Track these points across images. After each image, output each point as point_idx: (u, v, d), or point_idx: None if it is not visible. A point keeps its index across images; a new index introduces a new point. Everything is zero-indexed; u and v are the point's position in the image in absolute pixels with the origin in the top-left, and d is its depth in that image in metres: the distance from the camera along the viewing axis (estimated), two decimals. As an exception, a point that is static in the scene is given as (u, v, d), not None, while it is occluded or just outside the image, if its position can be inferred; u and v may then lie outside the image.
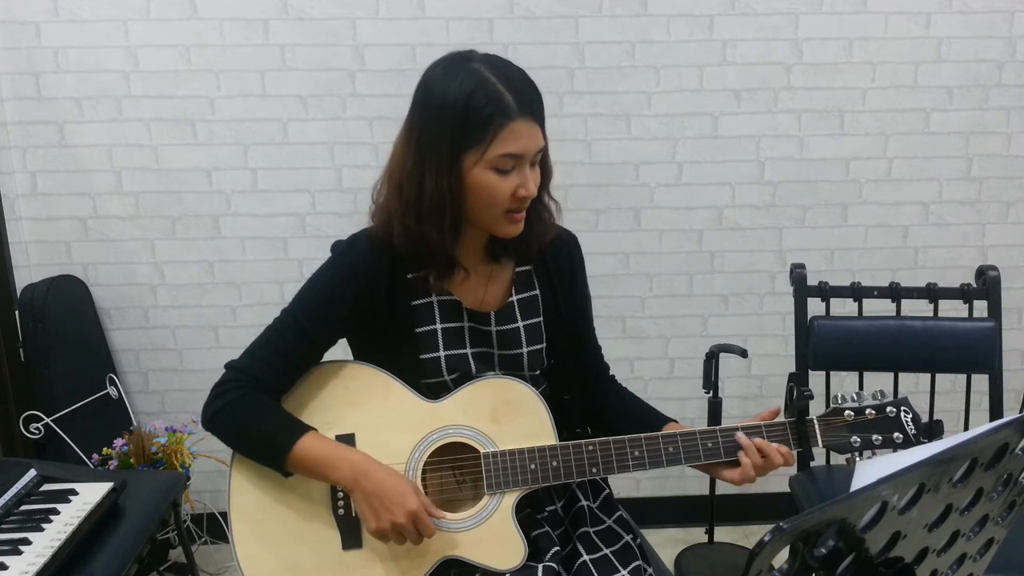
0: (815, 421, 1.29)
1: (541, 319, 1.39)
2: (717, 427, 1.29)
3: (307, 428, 1.27)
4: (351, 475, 1.23)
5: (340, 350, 1.37)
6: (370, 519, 1.23)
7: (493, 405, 1.31)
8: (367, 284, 1.29)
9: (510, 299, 1.37)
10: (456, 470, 1.33)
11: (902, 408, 1.28)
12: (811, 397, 1.28)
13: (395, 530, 1.21)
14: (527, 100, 1.20)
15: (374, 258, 1.29)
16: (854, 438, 1.27)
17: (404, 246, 1.27)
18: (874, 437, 1.27)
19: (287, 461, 1.25)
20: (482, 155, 1.19)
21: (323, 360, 1.35)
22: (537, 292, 1.39)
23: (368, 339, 1.35)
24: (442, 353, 1.33)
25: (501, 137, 1.18)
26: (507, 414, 1.31)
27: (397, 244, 1.27)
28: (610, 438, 1.29)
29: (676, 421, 1.41)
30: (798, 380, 1.32)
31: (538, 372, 1.40)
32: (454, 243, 1.27)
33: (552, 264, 1.40)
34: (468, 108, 1.18)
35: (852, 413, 1.28)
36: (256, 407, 1.27)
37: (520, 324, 1.37)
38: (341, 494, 1.29)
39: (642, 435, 1.29)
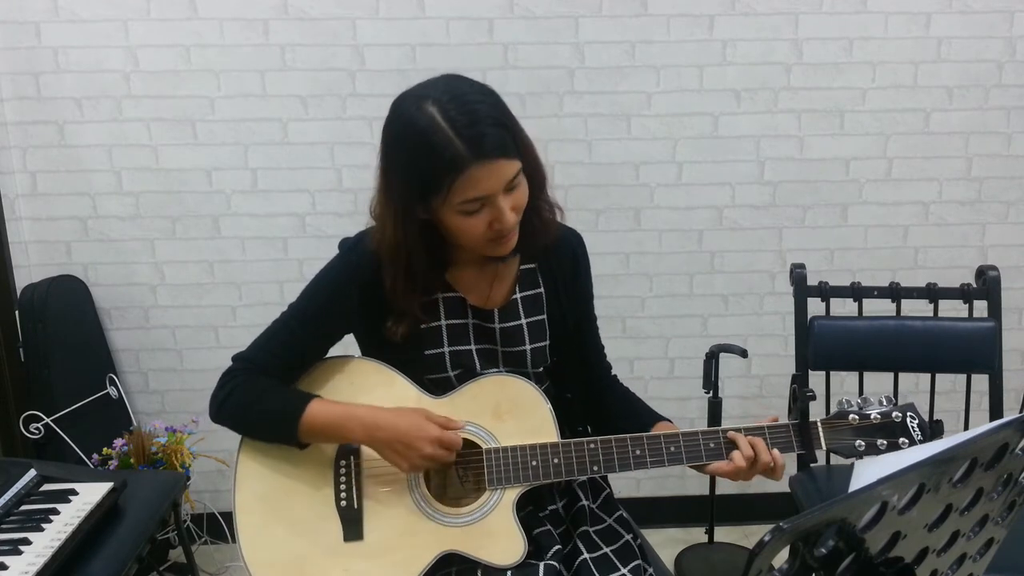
0: (819, 424, 1.28)
1: (545, 316, 1.40)
2: (719, 427, 1.29)
3: (312, 395, 1.29)
4: (364, 432, 1.26)
5: (346, 347, 1.38)
6: (401, 463, 1.25)
7: (496, 402, 1.32)
8: (373, 280, 1.30)
9: (514, 296, 1.38)
10: (458, 465, 1.33)
11: (908, 414, 1.27)
12: (813, 398, 1.28)
13: (427, 460, 1.24)
14: (483, 142, 1.14)
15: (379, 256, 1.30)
16: (858, 442, 1.27)
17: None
18: (879, 442, 1.27)
19: (299, 430, 1.26)
20: (444, 201, 1.18)
21: (329, 355, 1.36)
22: (541, 290, 1.40)
23: (373, 334, 1.36)
24: (446, 349, 1.34)
25: (458, 186, 1.16)
26: (510, 411, 1.31)
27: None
28: (612, 436, 1.29)
29: (669, 420, 1.42)
30: (801, 382, 1.32)
31: (541, 369, 1.41)
32: (409, 293, 1.28)
33: (556, 262, 1.40)
34: (420, 164, 1.17)
35: (857, 417, 1.28)
36: (261, 387, 1.29)
37: (523, 321, 1.37)
38: (344, 486, 1.30)
39: (644, 434, 1.29)
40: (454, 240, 1.27)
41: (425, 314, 1.33)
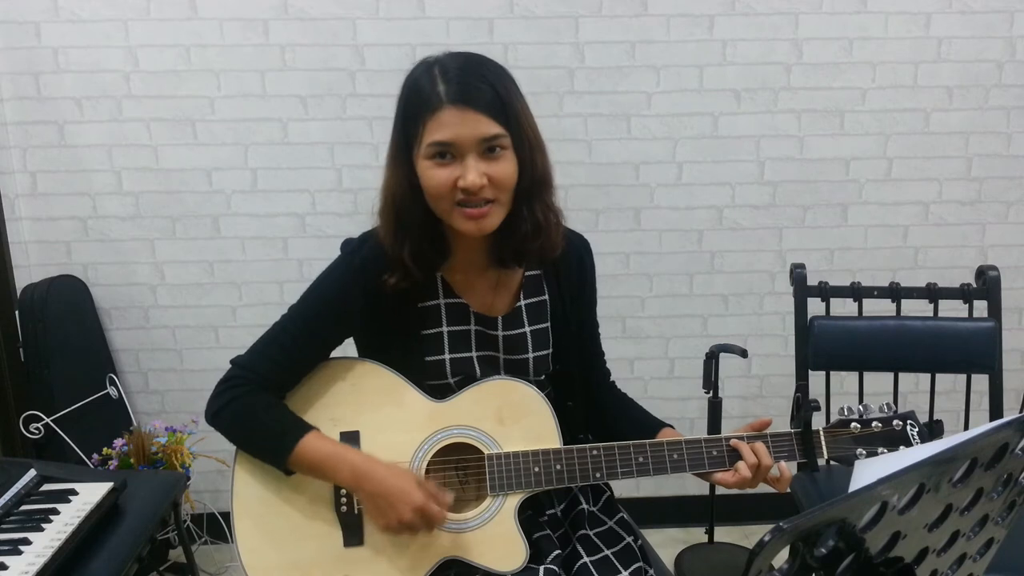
0: (821, 433, 1.29)
1: (548, 324, 1.39)
2: (722, 435, 1.29)
3: (310, 427, 1.27)
4: (352, 477, 1.23)
5: (345, 348, 1.37)
6: (377, 519, 1.23)
7: (499, 407, 1.31)
8: (375, 283, 1.29)
9: (518, 304, 1.37)
10: (460, 471, 1.33)
11: (908, 422, 1.28)
12: (817, 408, 1.28)
13: (404, 526, 1.21)
14: (461, 90, 1.17)
15: (383, 257, 1.29)
16: (859, 450, 1.27)
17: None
18: (879, 450, 1.27)
19: (289, 460, 1.25)
20: (419, 145, 1.21)
21: (332, 356, 1.35)
22: (546, 297, 1.39)
23: (374, 339, 1.35)
24: (447, 356, 1.33)
25: (429, 126, 1.19)
26: (512, 416, 1.30)
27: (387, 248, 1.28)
28: (615, 443, 1.29)
29: (672, 427, 1.41)
30: (804, 391, 1.32)
31: (543, 377, 1.40)
32: (401, 245, 1.26)
33: (563, 268, 1.39)
34: (407, 102, 1.22)
35: (858, 426, 1.28)
36: (260, 405, 1.27)
37: (527, 329, 1.36)
38: (344, 491, 1.29)
39: (647, 441, 1.29)
40: (430, 202, 1.23)
41: (427, 320, 1.33)
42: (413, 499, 1.20)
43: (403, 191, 1.24)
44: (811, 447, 1.28)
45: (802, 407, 1.28)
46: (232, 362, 1.31)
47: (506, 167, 1.21)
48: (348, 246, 1.34)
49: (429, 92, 1.18)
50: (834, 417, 1.32)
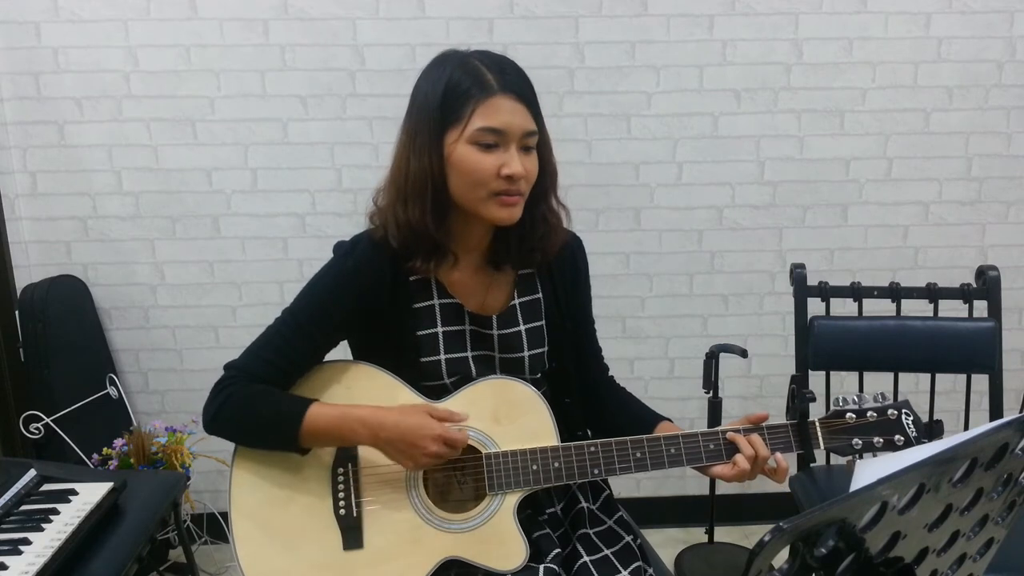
0: (817, 423, 1.28)
1: (543, 322, 1.39)
2: (719, 428, 1.29)
3: (311, 400, 1.27)
4: (368, 433, 1.24)
5: (341, 351, 1.37)
6: (406, 462, 1.25)
7: (495, 406, 1.31)
8: (369, 285, 1.29)
9: (512, 302, 1.37)
10: (458, 470, 1.33)
11: (903, 411, 1.28)
12: (813, 399, 1.28)
13: (433, 459, 1.23)
14: (511, 81, 1.22)
15: (376, 259, 1.29)
16: (855, 440, 1.27)
17: (396, 237, 1.27)
18: (875, 440, 1.27)
19: (300, 436, 1.25)
20: (462, 130, 1.21)
21: (326, 360, 1.35)
22: (540, 295, 1.39)
23: (368, 340, 1.35)
24: (442, 357, 1.33)
25: (480, 111, 1.20)
26: (509, 415, 1.30)
27: (390, 237, 1.28)
28: (612, 439, 1.29)
29: (670, 420, 1.41)
30: (800, 382, 1.32)
31: (539, 375, 1.40)
32: (439, 226, 1.26)
33: (556, 267, 1.39)
34: (449, 86, 1.22)
35: (854, 416, 1.28)
36: (256, 394, 1.27)
37: (522, 328, 1.36)
38: (342, 494, 1.29)
39: (644, 436, 1.29)
40: (459, 194, 1.24)
41: (421, 321, 1.32)
42: (432, 430, 1.22)
43: (438, 173, 1.24)
44: (807, 438, 1.28)
45: (797, 398, 1.28)
46: (226, 366, 1.30)
47: (536, 164, 1.27)
48: (340, 249, 1.33)
49: (477, 78, 1.20)
50: (830, 407, 1.32)
